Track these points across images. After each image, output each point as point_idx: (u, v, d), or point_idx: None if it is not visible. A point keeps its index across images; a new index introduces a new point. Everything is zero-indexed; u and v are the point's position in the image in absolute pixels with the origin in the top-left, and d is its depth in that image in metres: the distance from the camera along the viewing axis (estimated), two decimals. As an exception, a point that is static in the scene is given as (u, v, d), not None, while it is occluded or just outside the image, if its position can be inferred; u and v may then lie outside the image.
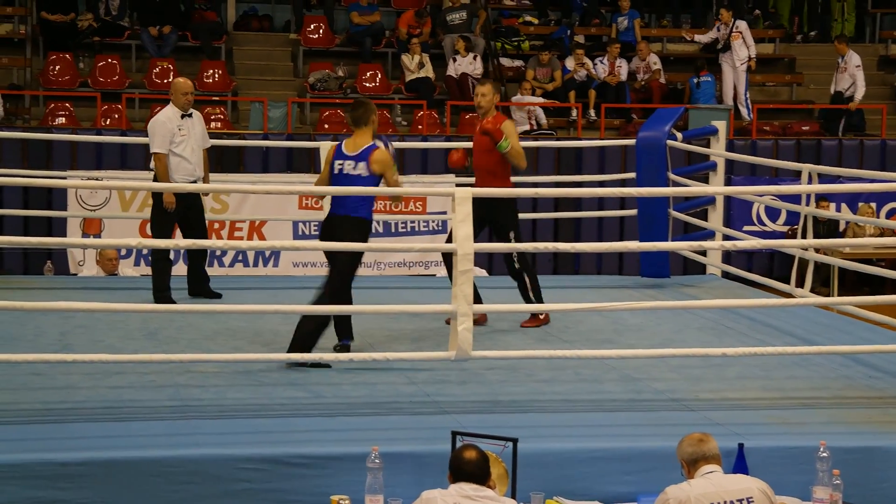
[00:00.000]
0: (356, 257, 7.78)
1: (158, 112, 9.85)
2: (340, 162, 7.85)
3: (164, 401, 6.87)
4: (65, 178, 13.03)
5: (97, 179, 13.59)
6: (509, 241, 8.81)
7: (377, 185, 7.80)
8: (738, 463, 5.88)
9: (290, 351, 7.56)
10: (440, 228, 15.09)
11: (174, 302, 9.36)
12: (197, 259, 9.83)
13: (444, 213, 14.89)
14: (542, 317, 8.98)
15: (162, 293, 9.47)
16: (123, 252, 14.22)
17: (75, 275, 14.02)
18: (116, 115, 16.80)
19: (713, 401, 7.13)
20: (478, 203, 7.50)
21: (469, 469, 5.14)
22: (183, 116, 9.60)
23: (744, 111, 18.44)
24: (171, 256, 9.88)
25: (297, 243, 12.74)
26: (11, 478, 5.75)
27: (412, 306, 8.13)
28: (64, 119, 16.86)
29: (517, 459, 5.72)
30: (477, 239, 7.92)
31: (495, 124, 8.81)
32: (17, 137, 14.89)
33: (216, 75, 17.84)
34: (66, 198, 15.10)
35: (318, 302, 7.72)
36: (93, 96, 17.06)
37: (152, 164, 9.62)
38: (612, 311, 8.50)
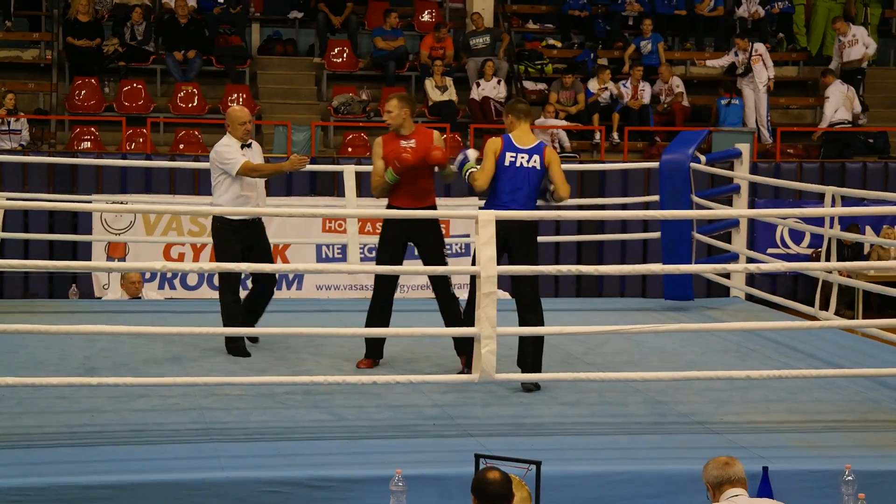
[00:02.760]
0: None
1: (218, 142, 8.80)
2: (513, 154, 7.94)
3: (188, 424, 6.88)
4: (90, 202, 13.10)
5: (122, 203, 13.66)
6: (443, 261, 8.38)
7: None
8: (763, 486, 5.85)
9: (526, 370, 7.69)
10: (463, 252, 15.07)
11: (248, 354, 8.53)
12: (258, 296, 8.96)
13: (468, 235, 14.87)
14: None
15: (234, 343, 8.56)
16: (147, 275, 14.28)
17: (100, 298, 14.07)
18: (141, 140, 16.88)
19: (738, 424, 7.10)
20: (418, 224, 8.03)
21: (492, 490, 5.12)
22: (243, 147, 8.71)
23: (765, 133, 18.40)
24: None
25: (321, 266, 12.82)
26: (37, 501, 5.77)
27: (435, 329, 8.11)
28: (89, 143, 16.94)
29: (541, 482, 5.70)
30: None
31: (424, 141, 8.26)
32: (42, 162, 15.02)
33: (240, 99, 17.88)
34: (91, 222, 15.18)
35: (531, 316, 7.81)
36: (118, 121, 17.15)
37: (218, 196, 8.69)
38: (635, 333, 8.47)
